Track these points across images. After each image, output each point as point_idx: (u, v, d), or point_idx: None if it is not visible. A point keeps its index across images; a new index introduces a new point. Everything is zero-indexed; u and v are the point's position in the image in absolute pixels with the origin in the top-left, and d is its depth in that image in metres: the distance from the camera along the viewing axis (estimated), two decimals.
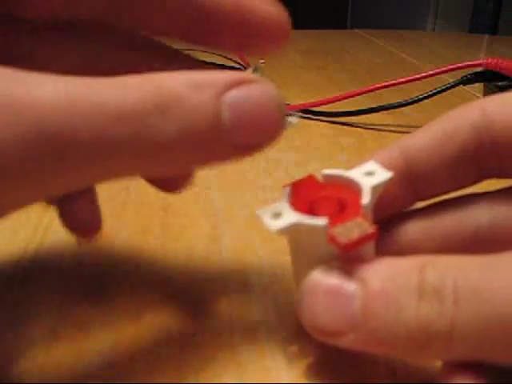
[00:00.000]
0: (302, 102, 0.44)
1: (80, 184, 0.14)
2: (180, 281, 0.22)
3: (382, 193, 0.18)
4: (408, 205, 0.20)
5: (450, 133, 0.19)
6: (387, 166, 0.18)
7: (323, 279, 0.16)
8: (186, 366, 0.18)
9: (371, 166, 0.18)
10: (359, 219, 0.16)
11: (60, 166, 0.13)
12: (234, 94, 0.14)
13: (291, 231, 0.16)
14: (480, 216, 0.19)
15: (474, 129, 0.18)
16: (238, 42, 0.18)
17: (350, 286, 0.15)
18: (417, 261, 0.15)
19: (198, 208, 0.23)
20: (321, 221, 0.16)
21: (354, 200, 0.17)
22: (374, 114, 0.42)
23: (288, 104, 0.44)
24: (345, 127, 0.42)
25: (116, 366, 0.18)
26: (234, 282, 0.22)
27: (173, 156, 0.14)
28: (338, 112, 0.42)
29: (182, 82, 0.14)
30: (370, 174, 0.18)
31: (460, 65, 0.41)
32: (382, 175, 0.18)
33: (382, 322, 0.15)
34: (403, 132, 0.41)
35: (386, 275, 0.15)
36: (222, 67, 0.56)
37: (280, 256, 0.24)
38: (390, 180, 0.18)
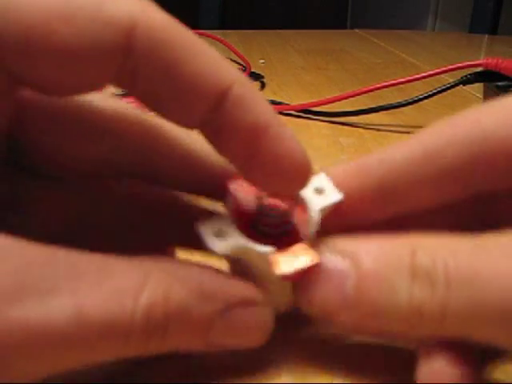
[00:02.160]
0: (301, 102, 0.44)
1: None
2: None
3: (349, 206, 0.18)
4: (384, 218, 0.18)
5: (440, 147, 0.17)
6: (362, 177, 0.18)
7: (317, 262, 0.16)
8: (186, 365, 0.18)
9: (321, 180, 0.17)
10: (304, 246, 0.16)
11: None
12: (232, 313, 0.15)
13: (235, 252, 0.16)
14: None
15: (469, 144, 0.17)
16: (246, 168, 0.17)
17: (342, 266, 0.15)
18: (408, 241, 0.15)
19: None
20: (266, 248, 0.16)
21: (301, 220, 0.17)
22: (374, 114, 0.42)
23: (288, 104, 0.44)
24: (345, 127, 0.42)
25: (116, 365, 0.18)
26: None
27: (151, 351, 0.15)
28: (338, 112, 0.42)
29: (190, 292, 0.15)
30: (319, 191, 0.17)
31: (460, 65, 0.41)
32: (332, 197, 0.17)
33: (375, 303, 0.15)
34: (403, 132, 0.41)
35: (377, 255, 0.15)
36: None
37: None
38: (341, 202, 0.17)
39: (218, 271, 0.16)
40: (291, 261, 0.16)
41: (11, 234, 0.13)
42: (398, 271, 0.15)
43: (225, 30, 0.87)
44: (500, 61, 0.39)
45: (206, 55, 0.15)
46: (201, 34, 0.67)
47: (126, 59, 0.14)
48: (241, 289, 0.16)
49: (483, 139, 0.17)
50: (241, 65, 0.57)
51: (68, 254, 0.14)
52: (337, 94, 0.42)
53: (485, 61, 0.40)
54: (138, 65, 0.14)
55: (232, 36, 0.70)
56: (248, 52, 0.61)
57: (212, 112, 0.15)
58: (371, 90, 0.42)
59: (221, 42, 0.62)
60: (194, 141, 0.18)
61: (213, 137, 0.16)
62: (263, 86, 0.52)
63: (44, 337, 0.13)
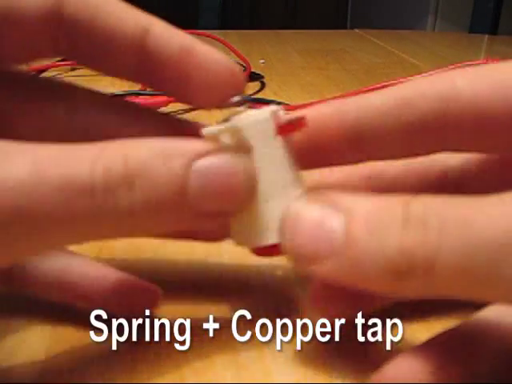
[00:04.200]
0: (301, 102, 0.44)
1: (40, 249, 0.15)
2: (180, 281, 0.22)
3: (327, 144, 0.18)
4: (352, 160, 0.19)
5: (413, 99, 0.18)
6: (337, 117, 0.18)
7: (305, 209, 0.15)
8: (186, 365, 0.18)
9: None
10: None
11: (22, 237, 0.14)
12: (201, 164, 0.15)
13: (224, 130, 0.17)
14: (450, 158, 0.19)
15: (441, 99, 0.17)
16: (182, 89, 0.18)
17: (333, 215, 0.15)
18: (402, 197, 0.15)
19: None
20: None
21: None
22: None
23: (288, 104, 0.44)
24: None
25: (116, 366, 0.18)
26: (234, 282, 0.22)
27: (134, 223, 0.15)
28: None
29: (150, 151, 0.15)
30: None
31: (460, 65, 0.41)
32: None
33: (364, 249, 0.14)
34: None
35: (371, 206, 0.15)
36: None
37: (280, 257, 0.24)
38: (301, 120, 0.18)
39: (174, 137, 0.16)
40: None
41: None
42: (389, 218, 0.14)
43: (225, 30, 0.87)
44: (500, 61, 0.39)
45: (125, 7, 0.18)
46: (201, 34, 0.67)
47: (60, 20, 0.16)
48: (203, 144, 0.16)
49: (455, 96, 0.17)
50: (241, 65, 0.57)
51: (26, 142, 0.14)
52: (337, 94, 0.42)
53: (485, 61, 0.40)
54: (70, 24, 0.17)
55: (232, 36, 0.70)
56: (248, 52, 0.61)
57: (140, 53, 0.17)
58: (371, 90, 0.42)
59: (221, 42, 0.62)
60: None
61: (147, 78, 0.19)
62: (263, 86, 0.52)
63: (3, 193, 0.13)
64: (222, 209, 0.16)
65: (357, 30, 0.87)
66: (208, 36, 0.65)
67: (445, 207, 0.14)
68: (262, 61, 0.61)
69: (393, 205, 0.15)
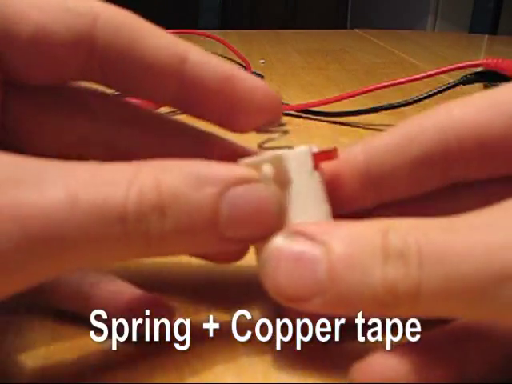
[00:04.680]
0: (301, 102, 0.44)
1: (68, 269, 0.15)
2: (180, 281, 0.22)
3: (342, 190, 0.19)
4: (369, 204, 0.20)
5: (414, 134, 0.18)
6: (348, 163, 0.19)
7: (285, 246, 0.15)
8: (186, 365, 0.18)
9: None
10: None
11: (52, 258, 0.14)
12: (234, 193, 0.15)
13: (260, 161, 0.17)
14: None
15: (440, 131, 0.18)
16: (224, 116, 0.19)
17: (313, 251, 0.15)
18: (378, 225, 0.15)
19: None
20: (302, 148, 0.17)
21: None
22: (374, 114, 0.42)
23: (288, 104, 0.44)
24: (345, 127, 0.42)
25: (116, 366, 0.18)
26: (234, 282, 0.22)
27: (163, 247, 0.15)
28: (338, 112, 0.42)
29: (183, 178, 0.15)
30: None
31: (460, 65, 0.41)
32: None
33: (349, 285, 0.14)
34: None
35: (348, 238, 0.15)
36: None
37: None
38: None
39: (210, 161, 0.16)
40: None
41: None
42: (370, 253, 0.15)
43: (225, 30, 0.87)
44: (500, 61, 0.39)
45: (160, 33, 0.17)
46: (201, 34, 0.67)
47: (92, 47, 0.16)
48: (236, 170, 0.16)
49: (453, 124, 0.18)
50: (241, 65, 0.57)
51: (59, 161, 0.14)
52: (337, 94, 0.42)
53: (485, 61, 0.40)
54: (104, 51, 0.16)
55: (232, 36, 0.70)
56: (248, 52, 0.61)
57: (179, 81, 0.17)
58: (371, 90, 0.42)
59: (221, 42, 0.62)
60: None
61: (187, 105, 0.19)
62: None
63: (38, 221, 0.13)
64: (249, 236, 0.16)
65: (357, 30, 0.87)
66: (208, 36, 0.65)
67: (422, 236, 0.14)
68: (261, 61, 0.61)
69: (371, 236, 0.15)
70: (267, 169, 0.16)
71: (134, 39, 0.17)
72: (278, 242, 0.15)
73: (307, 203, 0.17)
